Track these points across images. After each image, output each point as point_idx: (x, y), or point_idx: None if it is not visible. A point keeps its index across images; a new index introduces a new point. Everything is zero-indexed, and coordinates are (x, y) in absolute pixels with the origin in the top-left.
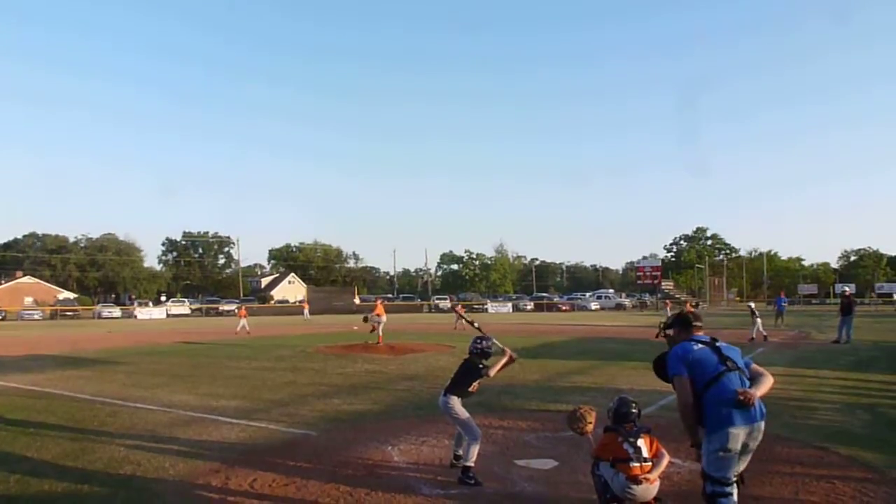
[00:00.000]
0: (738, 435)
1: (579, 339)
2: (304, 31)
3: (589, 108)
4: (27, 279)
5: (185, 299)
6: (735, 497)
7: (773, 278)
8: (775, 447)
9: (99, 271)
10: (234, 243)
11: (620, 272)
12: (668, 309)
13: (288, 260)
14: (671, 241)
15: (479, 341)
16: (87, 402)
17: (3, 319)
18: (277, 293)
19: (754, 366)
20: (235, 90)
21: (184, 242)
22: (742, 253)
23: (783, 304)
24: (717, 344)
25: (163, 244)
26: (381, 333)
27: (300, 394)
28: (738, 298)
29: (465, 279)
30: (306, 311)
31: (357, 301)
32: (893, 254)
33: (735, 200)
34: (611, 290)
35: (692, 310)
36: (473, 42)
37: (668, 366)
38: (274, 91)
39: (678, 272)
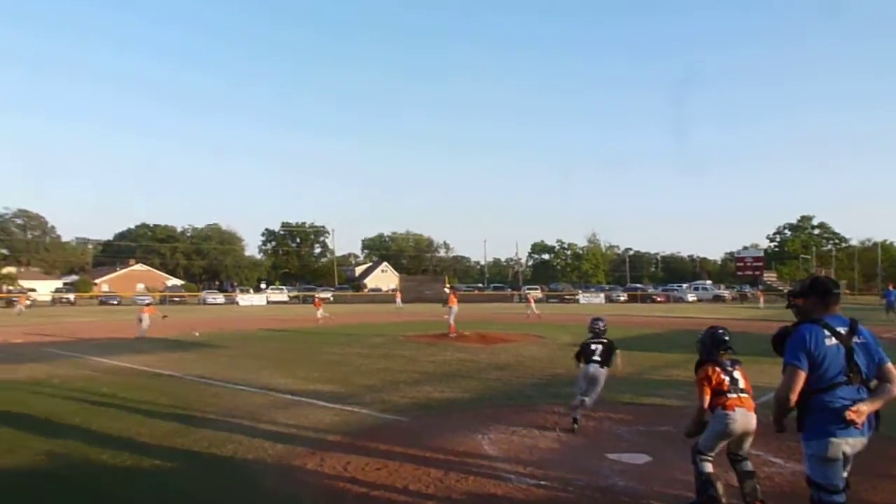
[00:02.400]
0: (838, 444)
1: (675, 331)
2: (398, 13)
3: (689, 95)
4: (139, 267)
5: (284, 287)
6: None
7: (888, 269)
8: (889, 450)
9: (204, 259)
10: (329, 233)
11: (719, 263)
12: (762, 300)
13: (380, 249)
14: (774, 231)
15: (598, 322)
16: (193, 383)
17: (118, 304)
18: (370, 282)
19: (888, 365)
20: (323, 78)
21: (282, 232)
22: (853, 243)
23: (893, 296)
24: (854, 341)
25: (262, 234)
26: (452, 323)
27: (392, 380)
28: (848, 292)
29: (556, 269)
30: (399, 299)
31: (447, 290)
32: None
33: (845, 187)
34: (708, 282)
35: (828, 277)
36: (568, 27)
37: (788, 350)
38: (363, 77)
39: (781, 263)
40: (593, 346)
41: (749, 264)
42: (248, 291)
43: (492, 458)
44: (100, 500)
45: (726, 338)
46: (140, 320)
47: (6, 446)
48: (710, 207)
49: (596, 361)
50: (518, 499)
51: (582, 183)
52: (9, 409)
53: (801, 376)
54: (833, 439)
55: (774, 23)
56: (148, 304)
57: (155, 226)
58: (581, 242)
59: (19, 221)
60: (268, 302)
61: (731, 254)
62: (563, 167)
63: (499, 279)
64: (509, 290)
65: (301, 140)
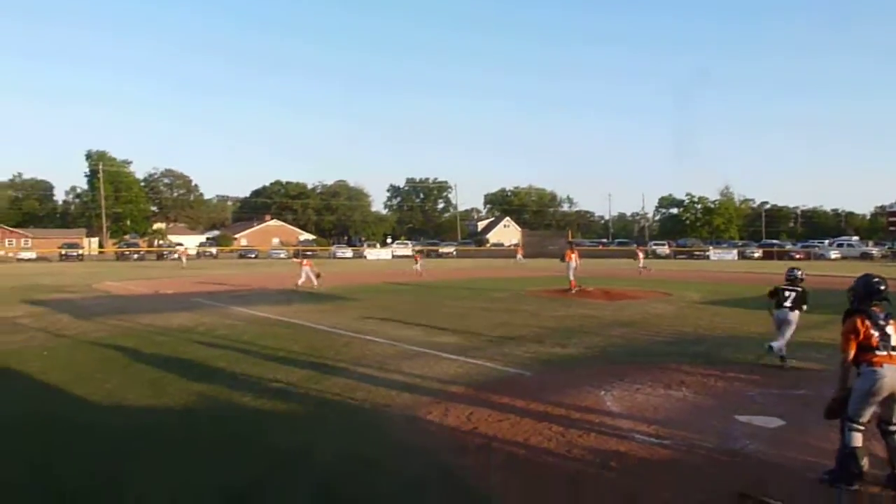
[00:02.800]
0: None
1: (815, 290)
2: None
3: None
4: (274, 222)
5: (409, 241)
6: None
7: None
8: None
9: (333, 215)
10: (451, 188)
11: (868, 217)
12: None
13: (503, 204)
14: None
15: (794, 270)
16: (326, 332)
17: (255, 258)
18: (493, 237)
19: None
20: (454, 38)
21: (406, 188)
22: None
23: None
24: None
25: (388, 190)
26: (572, 278)
27: (515, 335)
28: None
29: (685, 224)
30: (520, 254)
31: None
32: None
33: None
34: (855, 238)
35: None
36: None
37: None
38: (483, 36)
39: None
40: (787, 293)
41: None
42: (374, 246)
43: (614, 415)
44: (242, 440)
45: (882, 287)
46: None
47: (160, 388)
48: (858, 157)
49: (786, 307)
50: (641, 457)
51: (715, 134)
52: (163, 354)
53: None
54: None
55: None
56: (307, 258)
57: (287, 183)
58: (713, 196)
59: (167, 181)
60: (393, 256)
61: (883, 207)
62: (693, 116)
63: (624, 234)
64: (635, 245)
65: (424, 99)
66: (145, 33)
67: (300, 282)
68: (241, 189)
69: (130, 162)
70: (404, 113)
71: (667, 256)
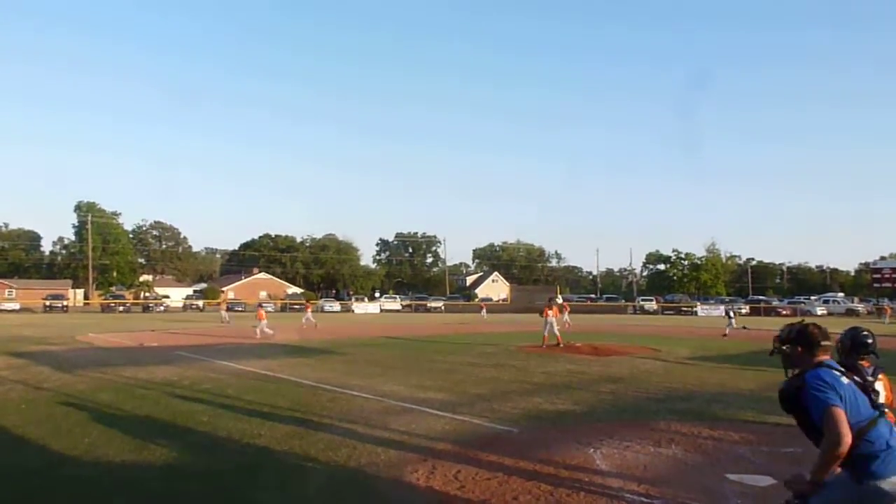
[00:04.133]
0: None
1: None
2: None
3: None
4: (262, 275)
5: (397, 296)
6: None
7: None
8: None
9: (321, 268)
10: (440, 243)
11: (853, 274)
12: (888, 316)
13: (492, 259)
14: None
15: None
16: (311, 387)
17: (242, 311)
18: (482, 291)
19: None
20: (436, 88)
21: (395, 242)
22: None
23: None
24: (855, 379)
25: (377, 244)
26: (545, 334)
27: (503, 390)
28: None
29: (672, 280)
30: (484, 310)
31: (560, 300)
32: None
33: None
34: (840, 294)
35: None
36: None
37: (817, 396)
38: (465, 85)
39: None
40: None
41: (887, 275)
42: (362, 300)
43: (604, 474)
44: (225, 497)
45: (869, 340)
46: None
47: (141, 442)
48: (843, 214)
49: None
50: None
51: (701, 191)
52: (145, 409)
53: (843, 415)
54: (892, 479)
55: None
56: (308, 303)
57: (276, 236)
58: (699, 252)
59: (155, 233)
60: (381, 310)
61: (867, 264)
62: (681, 175)
63: (612, 289)
64: (622, 300)
65: (413, 151)
66: (135, 80)
67: (258, 333)
68: (230, 242)
69: (119, 213)
70: (394, 165)
71: (655, 312)
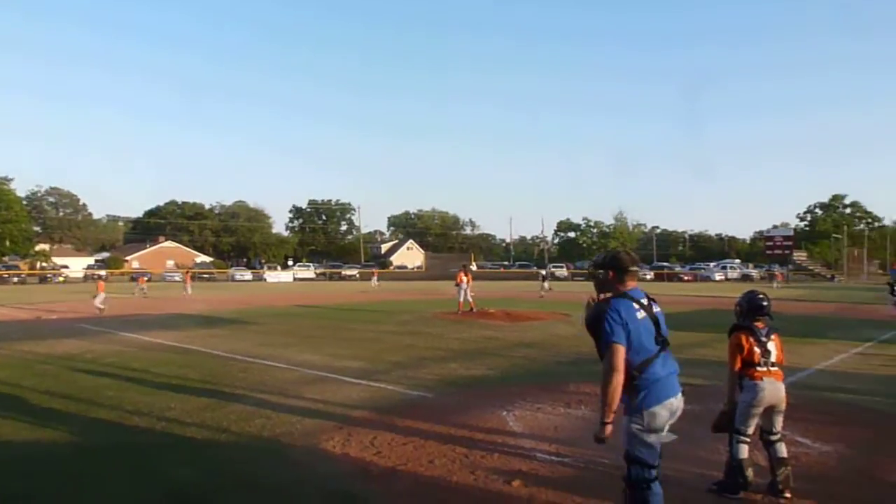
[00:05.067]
0: (661, 414)
1: (702, 310)
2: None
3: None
4: (168, 244)
5: (310, 264)
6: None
7: None
8: None
9: (232, 236)
10: (355, 210)
11: (748, 242)
12: (778, 280)
13: (407, 227)
14: (805, 210)
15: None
16: (222, 358)
17: (149, 280)
18: (397, 259)
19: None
20: (349, 61)
21: (309, 210)
22: (887, 223)
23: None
24: (655, 310)
25: (290, 211)
26: (460, 300)
27: (419, 357)
28: (881, 271)
29: (582, 247)
30: (375, 278)
31: (474, 267)
32: None
33: (879, 166)
34: (737, 261)
35: (628, 253)
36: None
37: (606, 328)
38: (389, 65)
39: (812, 242)
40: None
41: (779, 243)
42: (275, 268)
43: (517, 435)
44: (132, 473)
45: (764, 303)
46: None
47: (42, 420)
48: (740, 186)
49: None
50: (543, 475)
51: (609, 161)
52: (46, 384)
53: (622, 352)
54: (657, 409)
55: None
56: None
57: (184, 203)
58: (608, 220)
59: (52, 199)
60: (295, 279)
61: (761, 232)
62: (590, 145)
63: (525, 257)
64: (535, 268)
65: (328, 119)
66: (23, 46)
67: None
68: (134, 209)
69: (11, 179)
70: (306, 132)
71: (566, 278)
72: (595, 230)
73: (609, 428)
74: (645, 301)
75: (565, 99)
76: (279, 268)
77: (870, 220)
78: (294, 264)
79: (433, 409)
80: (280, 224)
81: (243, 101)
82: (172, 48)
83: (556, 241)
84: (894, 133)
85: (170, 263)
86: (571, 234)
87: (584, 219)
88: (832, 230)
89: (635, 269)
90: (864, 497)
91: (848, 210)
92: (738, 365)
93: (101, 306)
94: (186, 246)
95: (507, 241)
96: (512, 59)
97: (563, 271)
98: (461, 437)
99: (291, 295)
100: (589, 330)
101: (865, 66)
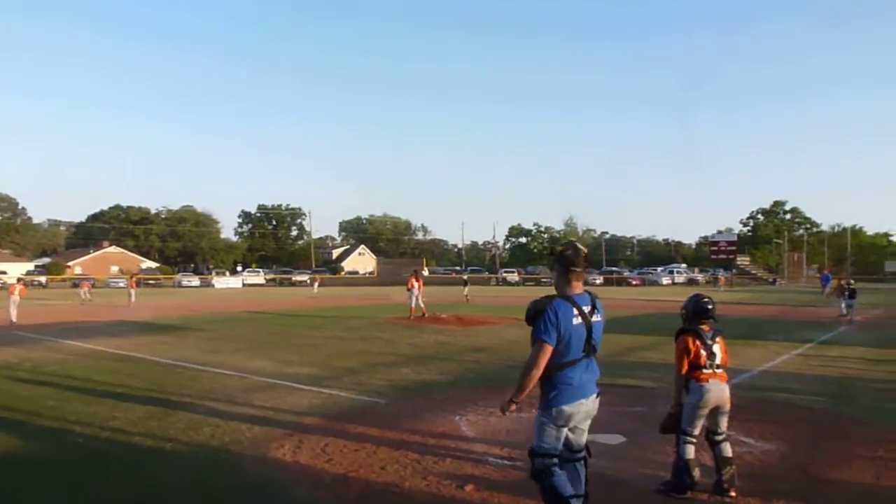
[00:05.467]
0: (570, 413)
1: (650, 314)
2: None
3: (665, 81)
4: (112, 249)
5: (260, 270)
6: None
7: (857, 254)
8: (855, 430)
9: (179, 242)
10: (305, 215)
11: (694, 247)
12: (722, 284)
13: (358, 232)
14: (747, 216)
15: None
16: (169, 366)
17: (93, 286)
18: (348, 264)
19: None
20: (300, 58)
21: (258, 215)
22: (824, 228)
23: (827, 279)
24: (594, 319)
25: (239, 216)
26: (412, 306)
27: (370, 363)
28: (818, 275)
29: (533, 252)
30: (316, 283)
31: (426, 273)
32: None
33: (817, 173)
34: (683, 265)
35: (581, 251)
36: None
37: (540, 326)
38: (340, 58)
39: (755, 247)
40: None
41: (723, 248)
42: (223, 274)
43: (469, 440)
44: (73, 486)
45: (710, 307)
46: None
47: None
48: (686, 192)
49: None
50: (495, 480)
51: (560, 167)
52: None
53: (549, 352)
54: (566, 408)
55: (745, 8)
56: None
57: (129, 207)
58: (558, 226)
59: None
60: (244, 285)
61: (706, 238)
62: (541, 151)
63: (476, 262)
64: (486, 273)
65: (277, 121)
66: None
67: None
68: (77, 213)
69: None
70: (256, 136)
71: (517, 283)
72: (546, 235)
73: (514, 406)
74: (587, 308)
75: (517, 103)
76: (228, 273)
77: (808, 226)
78: (243, 270)
79: (385, 415)
80: (229, 229)
81: (190, 102)
82: (117, 39)
83: (508, 246)
84: (831, 142)
85: (114, 269)
86: (523, 240)
87: (535, 224)
88: (773, 235)
89: (578, 270)
90: (804, 493)
91: (788, 216)
92: (685, 367)
93: (13, 311)
94: (131, 251)
95: (459, 246)
96: (464, 56)
97: (514, 276)
98: (413, 442)
99: (240, 301)
100: (528, 322)
101: (802, 82)
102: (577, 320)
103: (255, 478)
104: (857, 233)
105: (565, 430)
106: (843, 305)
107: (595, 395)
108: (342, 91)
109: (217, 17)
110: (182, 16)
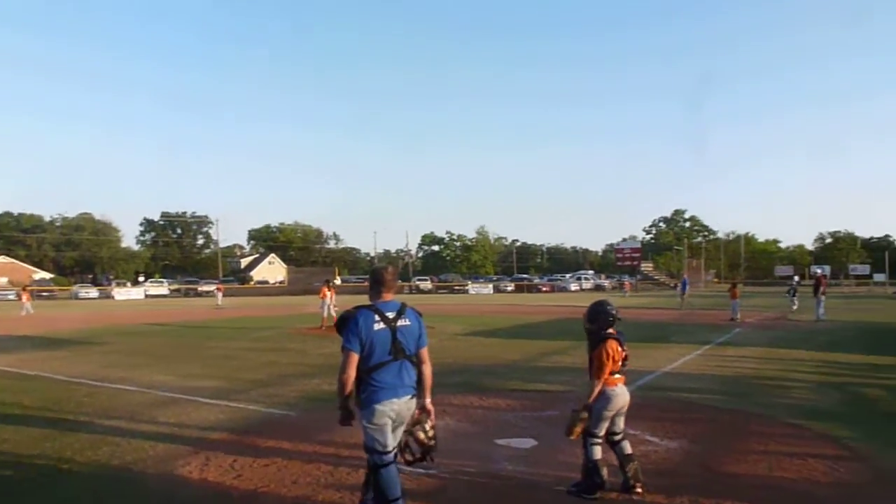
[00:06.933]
0: (384, 411)
1: (559, 319)
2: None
3: (565, 84)
4: (1, 259)
5: (164, 280)
6: (396, 468)
7: (750, 260)
8: (750, 425)
9: (75, 251)
10: (212, 223)
11: (600, 254)
12: (627, 290)
13: (268, 240)
14: (650, 224)
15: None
16: (64, 383)
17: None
18: (257, 274)
19: (424, 350)
20: (209, 55)
21: (162, 222)
22: (720, 235)
23: (686, 285)
24: (398, 324)
25: (141, 224)
26: (325, 315)
27: (280, 374)
28: (716, 280)
29: (446, 260)
30: (220, 294)
31: (338, 282)
32: (867, 236)
33: (714, 182)
34: (591, 272)
35: (390, 269)
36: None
37: (344, 336)
38: (249, 56)
39: (657, 254)
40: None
41: (627, 255)
42: (125, 285)
43: None
44: None
45: (613, 312)
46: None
47: None
48: (593, 201)
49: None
50: (409, 488)
51: (473, 175)
52: None
53: (356, 359)
54: (378, 406)
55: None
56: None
57: (20, 214)
58: (471, 234)
59: None
60: (146, 295)
61: (612, 245)
62: (454, 159)
63: None
64: (399, 281)
65: (183, 124)
66: None
67: None
68: None
69: None
70: (159, 137)
71: (430, 291)
72: (458, 244)
73: (344, 413)
74: (392, 315)
75: (425, 107)
76: (129, 284)
77: (706, 233)
78: (146, 280)
79: (296, 428)
80: (130, 237)
81: (87, 103)
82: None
83: (421, 254)
84: (726, 154)
85: (2, 280)
86: (436, 248)
87: (447, 232)
88: (674, 242)
89: (382, 288)
90: (705, 487)
91: (688, 224)
92: (607, 372)
93: None
94: (23, 261)
95: (372, 254)
96: (369, 57)
97: (427, 284)
98: (326, 454)
99: (143, 313)
100: (337, 332)
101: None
102: (378, 326)
103: (159, 497)
104: (749, 240)
105: (387, 427)
106: (735, 309)
107: (409, 397)
108: (251, 93)
109: (104, 8)
110: (67, 6)
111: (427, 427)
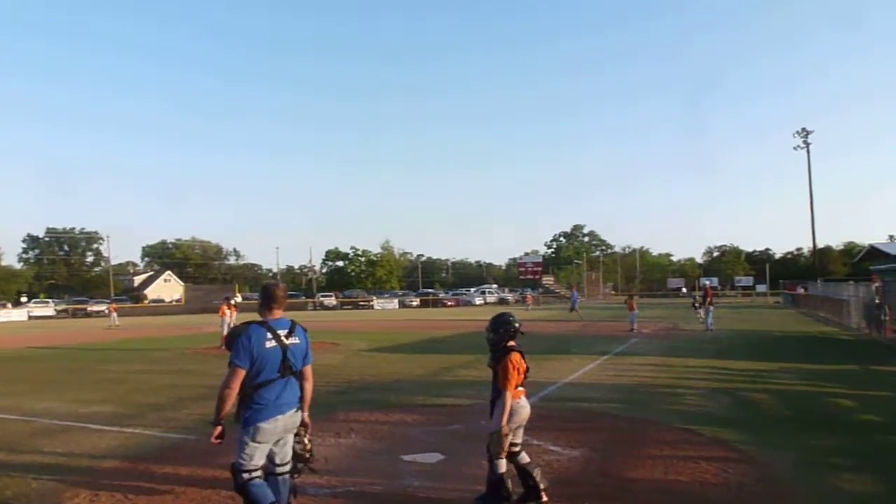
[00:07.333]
0: (267, 429)
1: (464, 333)
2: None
3: (476, 99)
4: None
5: (50, 300)
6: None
7: (644, 273)
8: (647, 431)
9: None
10: (103, 239)
11: (504, 268)
12: (530, 303)
13: (164, 257)
14: (551, 238)
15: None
16: None
17: None
18: (152, 292)
19: (308, 367)
20: (98, 65)
21: (47, 239)
22: (617, 249)
23: (576, 297)
24: (289, 343)
25: (24, 241)
26: (224, 334)
27: (178, 397)
28: (613, 293)
29: (350, 276)
30: (114, 314)
31: (239, 299)
32: (751, 250)
33: (611, 199)
34: (494, 286)
35: (280, 286)
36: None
37: (233, 352)
38: (138, 68)
39: (558, 268)
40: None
41: (530, 269)
42: (5, 306)
43: None
44: None
45: (516, 324)
46: None
47: None
48: (496, 216)
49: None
50: None
51: (377, 190)
52: None
53: (242, 375)
54: (263, 425)
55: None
56: None
57: None
58: (375, 249)
59: None
60: (30, 317)
61: (515, 259)
62: (357, 173)
63: (293, 287)
64: (303, 297)
65: (69, 136)
66: None
67: None
68: None
69: None
70: (42, 150)
71: (334, 307)
72: (363, 259)
73: (218, 429)
74: (284, 332)
75: (323, 130)
76: (10, 305)
77: (604, 248)
78: (29, 300)
79: (196, 452)
80: (11, 255)
81: None
82: None
83: (325, 270)
84: (621, 172)
85: None
86: (340, 263)
87: (352, 248)
88: (574, 256)
89: (274, 304)
90: (607, 494)
91: (586, 238)
92: (514, 384)
93: None
94: None
95: (274, 270)
96: (270, 77)
97: (331, 300)
98: (227, 479)
99: (25, 335)
100: (226, 347)
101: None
102: (270, 343)
103: None
104: (644, 254)
105: (266, 445)
106: (632, 320)
107: (294, 410)
108: (140, 107)
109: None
110: None
111: (305, 440)
